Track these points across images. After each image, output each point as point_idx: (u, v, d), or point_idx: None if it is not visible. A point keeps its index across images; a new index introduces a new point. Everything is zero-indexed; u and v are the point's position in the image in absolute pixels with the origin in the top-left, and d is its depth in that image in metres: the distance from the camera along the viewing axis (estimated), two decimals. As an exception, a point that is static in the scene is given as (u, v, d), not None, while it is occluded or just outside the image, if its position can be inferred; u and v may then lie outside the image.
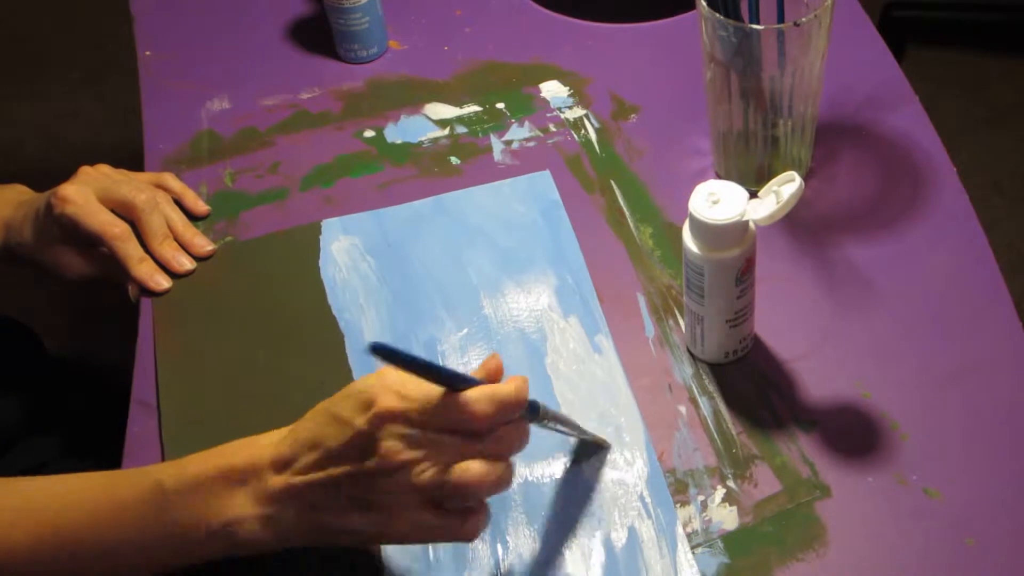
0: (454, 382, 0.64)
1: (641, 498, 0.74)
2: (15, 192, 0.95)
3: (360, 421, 0.64)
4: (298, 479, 0.66)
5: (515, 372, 0.80)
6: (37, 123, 2.12)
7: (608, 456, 0.77)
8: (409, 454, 0.64)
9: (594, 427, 0.78)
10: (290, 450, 0.67)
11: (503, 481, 0.65)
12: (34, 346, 1.13)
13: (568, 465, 0.76)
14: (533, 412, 0.68)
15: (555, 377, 0.81)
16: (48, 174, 0.99)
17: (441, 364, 0.64)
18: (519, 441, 0.66)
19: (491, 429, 0.65)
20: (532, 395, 0.74)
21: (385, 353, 0.61)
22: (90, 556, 0.69)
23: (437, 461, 0.64)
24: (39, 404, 1.05)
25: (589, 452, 0.77)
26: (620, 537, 0.73)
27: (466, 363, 0.82)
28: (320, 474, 0.65)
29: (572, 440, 0.77)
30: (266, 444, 0.68)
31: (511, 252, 0.89)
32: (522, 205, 0.92)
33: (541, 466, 0.76)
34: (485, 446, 0.65)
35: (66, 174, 0.91)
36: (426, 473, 0.64)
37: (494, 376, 0.67)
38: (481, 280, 0.88)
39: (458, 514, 0.66)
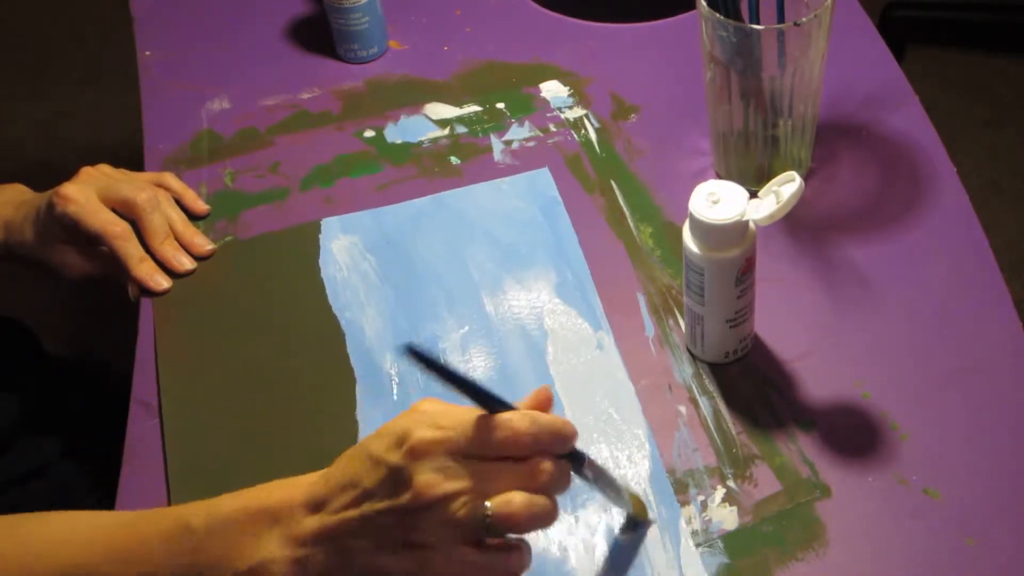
0: (489, 400, 0.61)
1: (644, 495, 0.74)
2: (15, 192, 0.95)
3: (395, 457, 0.61)
4: (332, 519, 0.63)
5: (516, 369, 0.80)
6: (37, 123, 2.12)
7: (620, 478, 0.73)
8: (447, 486, 0.60)
9: (594, 423, 0.78)
10: (325, 490, 0.64)
11: (546, 515, 0.62)
12: (33, 346, 1.13)
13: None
14: (578, 459, 0.65)
15: (556, 374, 0.81)
16: (48, 174, 0.99)
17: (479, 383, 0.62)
18: (561, 479, 0.63)
19: (531, 454, 0.62)
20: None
21: (419, 356, 0.59)
22: None
23: (477, 493, 0.61)
24: (39, 404, 1.05)
25: (627, 526, 0.74)
26: (624, 533, 0.73)
27: (467, 360, 0.82)
28: (355, 512, 0.63)
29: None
30: (301, 484, 0.66)
31: (511, 249, 0.89)
32: (521, 202, 0.92)
33: None
34: (527, 476, 0.62)
35: (66, 174, 0.91)
36: (466, 506, 0.60)
37: (542, 406, 0.65)
38: (482, 277, 0.88)
39: (499, 550, 0.63)
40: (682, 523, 0.73)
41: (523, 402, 0.64)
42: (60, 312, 1.75)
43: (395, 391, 0.81)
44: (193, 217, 0.94)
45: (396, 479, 0.61)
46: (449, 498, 0.60)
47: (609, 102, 1.00)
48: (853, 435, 0.76)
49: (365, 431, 0.79)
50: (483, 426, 0.61)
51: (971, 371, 0.79)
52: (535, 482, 0.62)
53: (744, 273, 0.75)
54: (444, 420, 0.62)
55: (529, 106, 1.00)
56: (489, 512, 0.60)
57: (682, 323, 0.83)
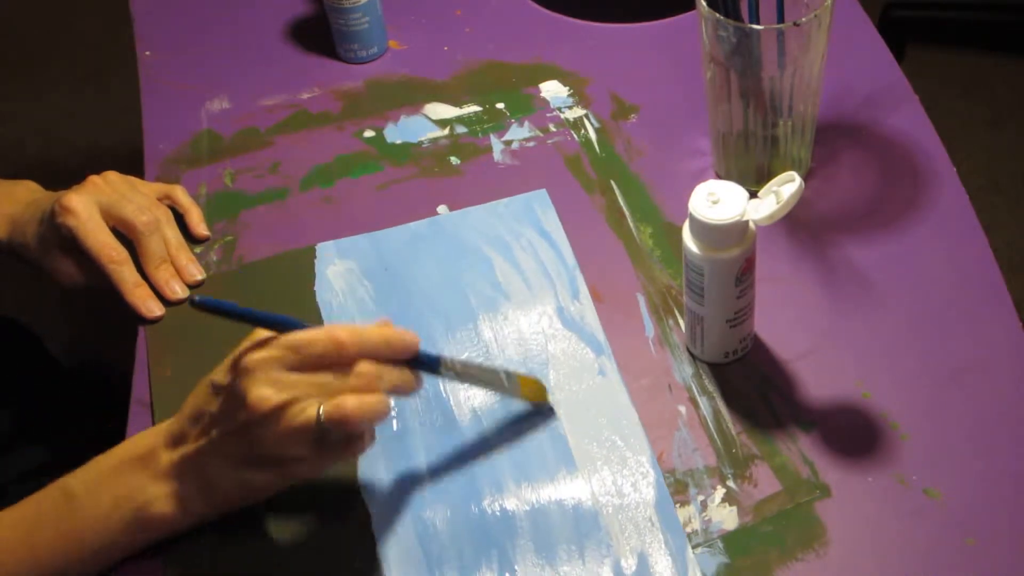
0: (295, 326, 0.68)
1: (650, 522, 0.73)
2: (26, 189, 0.94)
3: (229, 379, 0.68)
4: (189, 449, 0.70)
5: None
6: (37, 122, 2.12)
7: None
8: (278, 397, 0.66)
9: (597, 450, 0.77)
10: (179, 426, 0.71)
11: (377, 412, 0.67)
12: (36, 350, 1.13)
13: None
14: (430, 363, 0.72)
15: (558, 401, 0.79)
16: (48, 173, 0.99)
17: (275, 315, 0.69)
18: (396, 381, 0.69)
19: (356, 360, 0.67)
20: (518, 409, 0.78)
21: (206, 307, 0.68)
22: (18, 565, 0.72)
23: (309, 401, 0.66)
24: (40, 406, 1.05)
25: (529, 417, 0.78)
26: (630, 564, 0.71)
27: (465, 387, 0.80)
28: (205, 439, 0.69)
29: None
30: (162, 427, 0.73)
31: (510, 273, 0.87)
32: (520, 225, 0.90)
33: (548, 491, 0.75)
34: (354, 380, 0.67)
35: (66, 174, 0.91)
36: (302, 413, 0.66)
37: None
38: (480, 302, 0.85)
39: (342, 443, 0.69)
40: (689, 552, 0.71)
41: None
42: (60, 312, 1.75)
43: (394, 423, 0.79)
44: (194, 240, 0.92)
45: (233, 400, 0.68)
46: (283, 407, 0.66)
47: (609, 102, 1.00)
48: (853, 435, 0.76)
49: (363, 461, 0.77)
50: (308, 339, 0.67)
51: (971, 371, 0.79)
52: (362, 383, 0.67)
53: (744, 273, 0.75)
54: (272, 342, 0.68)
55: (529, 106, 1.00)
56: (322, 415, 0.66)
57: (682, 323, 0.83)
